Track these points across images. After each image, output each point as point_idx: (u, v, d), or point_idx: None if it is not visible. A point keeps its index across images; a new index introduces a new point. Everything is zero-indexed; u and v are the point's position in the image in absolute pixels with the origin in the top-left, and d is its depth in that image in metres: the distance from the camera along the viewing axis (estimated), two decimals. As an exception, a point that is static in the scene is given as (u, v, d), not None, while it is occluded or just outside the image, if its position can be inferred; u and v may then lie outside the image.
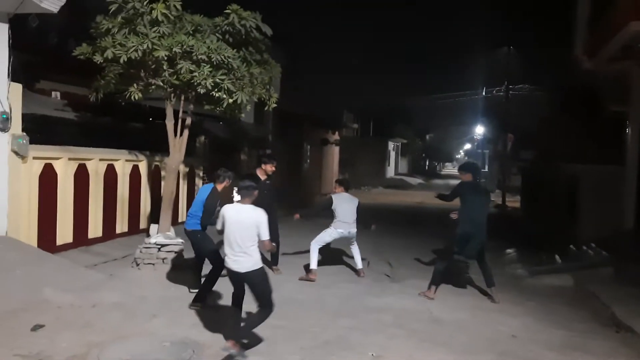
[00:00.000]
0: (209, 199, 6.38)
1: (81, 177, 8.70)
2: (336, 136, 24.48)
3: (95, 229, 9.05)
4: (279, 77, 8.65)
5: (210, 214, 6.27)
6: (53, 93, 10.71)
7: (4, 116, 7.12)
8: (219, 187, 6.55)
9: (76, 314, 5.66)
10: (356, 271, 8.27)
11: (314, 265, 7.80)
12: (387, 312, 6.35)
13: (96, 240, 9.03)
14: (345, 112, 24.31)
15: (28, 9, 7.02)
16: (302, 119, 18.62)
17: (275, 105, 8.48)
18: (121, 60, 6.80)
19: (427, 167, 50.95)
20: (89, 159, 8.88)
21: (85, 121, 9.80)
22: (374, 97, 28.33)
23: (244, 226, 4.82)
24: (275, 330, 5.31)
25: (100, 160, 9.15)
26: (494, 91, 28.45)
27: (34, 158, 7.70)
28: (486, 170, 36.14)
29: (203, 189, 6.65)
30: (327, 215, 8.14)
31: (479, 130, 40.47)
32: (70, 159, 8.48)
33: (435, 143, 52.82)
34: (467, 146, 55.46)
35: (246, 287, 5.03)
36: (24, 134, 7.42)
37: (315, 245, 7.90)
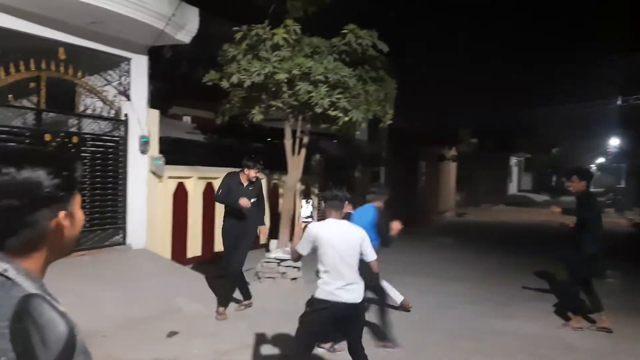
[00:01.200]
0: (380, 219, 5.60)
1: (208, 194, 9.33)
2: (453, 152, 23.78)
3: (220, 243, 9.60)
4: (394, 93, 8.62)
5: (387, 235, 5.52)
6: (184, 117, 11.69)
7: (144, 139, 7.86)
8: (378, 204, 5.87)
9: (205, 323, 6.02)
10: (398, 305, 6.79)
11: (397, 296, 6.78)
12: (512, 336, 5.96)
13: (221, 254, 9.57)
14: (463, 127, 23.53)
15: (164, 42, 7.74)
16: (417, 134, 18.35)
17: (390, 121, 8.46)
18: (245, 85, 7.22)
19: (553, 183, 47.48)
20: (215, 178, 9.49)
21: (211, 142, 10.54)
22: (494, 109, 27.10)
23: (350, 246, 3.95)
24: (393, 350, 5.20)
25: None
26: (633, 99, 25.86)
27: (169, 177, 8.41)
28: (622, 185, 32.82)
29: (363, 211, 5.77)
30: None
31: (614, 142, 36.97)
32: (199, 177, 9.15)
33: (563, 157, 49.04)
34: (600, 160, 50.78)
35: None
36: (161, 155, 8.15)
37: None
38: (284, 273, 8.03)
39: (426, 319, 6.58)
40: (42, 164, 1.13)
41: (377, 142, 16.66)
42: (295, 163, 8.34)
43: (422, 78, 17.02)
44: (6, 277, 1.09)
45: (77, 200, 1.25)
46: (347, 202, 4.68)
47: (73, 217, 1.21)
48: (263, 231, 6.85)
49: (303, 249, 3.98)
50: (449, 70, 20.75)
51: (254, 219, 6.54)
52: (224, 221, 6.66)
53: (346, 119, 7.56)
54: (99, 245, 7.35)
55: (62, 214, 1.17)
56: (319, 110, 7.41)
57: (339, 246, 3.88)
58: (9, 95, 6.22)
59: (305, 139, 8.35)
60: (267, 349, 5.21)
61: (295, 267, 8.03)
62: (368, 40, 7.56)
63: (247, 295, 6.71)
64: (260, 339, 5.40)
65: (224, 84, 7.47)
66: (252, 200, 6.39)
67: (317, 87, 7.25)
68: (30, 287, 1.10)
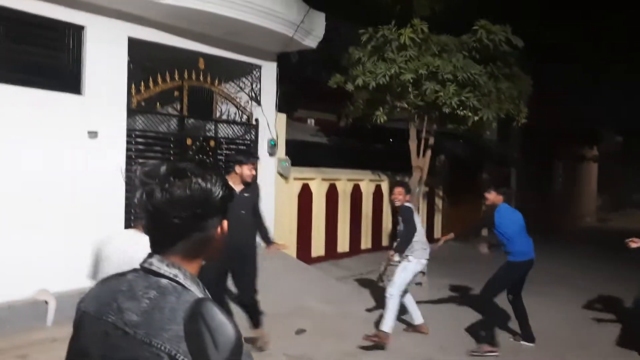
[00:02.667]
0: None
1: (331, 196, 9.47)
2: (594, 152, 21.75)
3: (343, 244, 9.72)
4: (529, 90, 8.06)
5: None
6: (308, 120, 12.00)
7: (272, 142, 8.18)
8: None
9: (331, 322, 6.08)
10: (414, 327, 5.94)
11: (391, 323, 5.33)
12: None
13: (344, 255, 9.67)
14: (606, 124, 21.41)
15: (292, 48, 7.99)
16: (553, 133, 17.02)
17: (524, 120, 7.93)
18: (370, 87, 7.19)
19: None
20: (338, 179, 9.62)
21: (334, 144, 10.69)
22: (640, 103, 24.31)
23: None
24: None
25: (348, 180, 9.84)
26: None
27: (294, 179, 8.67)
28: None
29: (503, 211, 5.57)
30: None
31: None
32: (323, 179, 9.32)
33: None
34: None
35: None
36: (287, 157, 8.43)
37: (397, 294, 5.49)
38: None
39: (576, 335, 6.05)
40: (213, 177, 1.21)
41: (507, 141, 15.76)
42: (420, 165, 8.15)
43: (561, 73, 15.75)
44: (177, 282, 1.16)
45: None
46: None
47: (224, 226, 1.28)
48: (274, 249, 5.38)
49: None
50: (592, 62, 18.96)
51: (251, 235, 5.05)
52: None
53: (476, 118, 7.23)
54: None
55: (225, 222, 1.26)
56: (446, 110, 7.17)
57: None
58: (157, 103, 6.82)
59: (431, 140, 8.12)
60: (393, 354, 5.13)
61: (420, 272, 7.83)
62: (501, 35, 7.15)
63: (257, 323, 5.12)
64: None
65: (349, 86, 7.52)
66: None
67: (445, 86, 7.01)
68: (197, 292, 1.17)
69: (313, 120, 11.84)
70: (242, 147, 7.96)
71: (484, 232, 10.20)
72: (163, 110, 7.11)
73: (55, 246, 5.47)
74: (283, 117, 8.47)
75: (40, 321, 5.23)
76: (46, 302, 5.30)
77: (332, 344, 5.34)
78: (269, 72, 8.11)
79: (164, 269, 1.17)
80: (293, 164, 8.51)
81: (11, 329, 4.88)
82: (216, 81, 7.45)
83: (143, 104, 6.57)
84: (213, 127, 7.75)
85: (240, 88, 7.99)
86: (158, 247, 1.21)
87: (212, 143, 7.49)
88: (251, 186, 5.02)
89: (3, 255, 5.14)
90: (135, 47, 6.26)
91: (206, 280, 1.27)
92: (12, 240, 5.19)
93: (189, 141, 7.16)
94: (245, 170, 4.86)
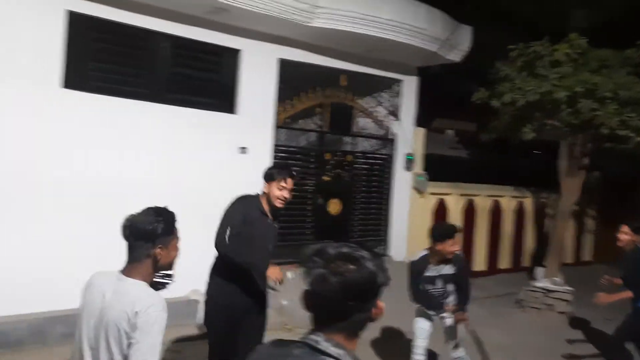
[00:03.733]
0: None
1: (469, 212, 9.13)
2: None
3: (480, 262, 9.33)
4: None
5: None
6: (447, 131, 11.69)
7: (409, 157, 8.12)
8: None
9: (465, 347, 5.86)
10: None
11: None
12: None
13: (480, 274, 9.28)
14: None
15: (434, 62, 7.84)
16: None
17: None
18: (518, 104, 6.81)
19: None
20: (476, 195, 9.25)
21: (473, 158, 10.28)
22: None
23: None
24: None
25: (487, 196, 9.41)
26: None
27: (430, 193, 8.52)
28: None
29: None
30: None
31: None
32: (460, 194, 9.03)
33: None
34: None
35: None
36: (424, 172, 8.31)
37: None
38: (550, 305, 7.35)
39: None
40: (377, 261, 1.29)
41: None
42: (571, 185, 7.52)
43: None
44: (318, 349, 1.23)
45: None
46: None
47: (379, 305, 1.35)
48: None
49: None
50: None
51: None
52: (211, 280, 3.74)
53: (639, 139, 6.49)
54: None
55: (380, 303, 1.32)
56: (605, 130, 6.52)
57: None
58: (299, 120, 7.14)
59: (585, 160, 7.45)
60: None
61: (564, 300, 7.27)
62: (673, 50, 6.34)
63: None
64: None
65: (494, 103, 7.17)
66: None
67: (604, 104, 6.38)
68: None
69: (452, 131, 11.50)
70: (378, 162, 8.02)
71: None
72: (305, 126, 7.42)
73: (206, 252, 5.97)
74: (421, 131, 8.36)
75: (191, 319, 5.77)
76: (197, 301, 5.82)
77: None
78: (410, 86, 8.06)
79: (330, 349, 1.23)
80: (430, 179, 8.37)
81: (167, 324, 5.44)
82: (356, 97, 7.59)
83: (288, 120, 6.92)
84: (351, 141, 7.91)
85: (379, 103, 8.04)
86: (322, 326, 1.27)
87: (349, 158, 7.64)
88: (278, 211, 3.70)
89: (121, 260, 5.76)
90: (284, 67, 6.61)
91: None
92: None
93: (327, 155, 7.39)
94: (275, 190, 3.42)
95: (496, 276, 9.41)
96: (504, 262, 9.77)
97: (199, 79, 6.12)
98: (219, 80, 6.28)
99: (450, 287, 4.49)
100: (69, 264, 4.83)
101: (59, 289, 4.84)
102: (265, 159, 6.54)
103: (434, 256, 4.31)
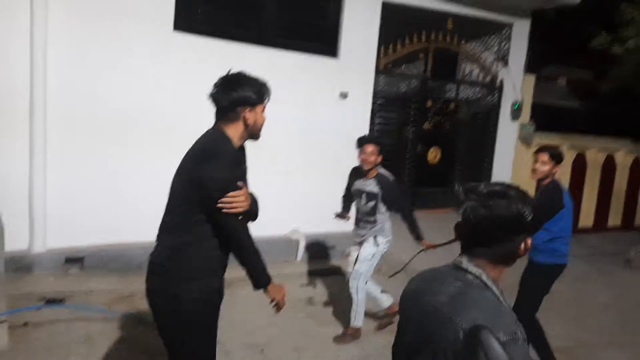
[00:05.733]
0: None
1: (578, 166, 8.59)
2: None
3: (587, 219, 8.85)
4: None
5: None
6: (559, 79, 10.90)
7: (516, 105, 7.71)
8: None
9: (567, 304, 5.68)
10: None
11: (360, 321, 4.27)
12: None
13: (586, 230, 8.81)
14: None
15: (551, 5, 7.25)
16: None
17: None
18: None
19: None
20: (588, 148, 8.65)
21: (587, 109, 9.55)
22: None
23: None
24: None
25: (600, 149, 8.78)
26: None
27: (537, 145, 8.07)
28: None
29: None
30: None
31: None
32: (569, 147, 8.48)
33: None
34: None
35: None
36: (532, 122, 7.87)
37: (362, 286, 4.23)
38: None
39: None
40: (526, 200, 1.45)
41: None
42: None
43: None
44: (480, 279, 1.43)
45: None
46: None
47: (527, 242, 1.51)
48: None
49: None
50: None
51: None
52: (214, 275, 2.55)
53: None
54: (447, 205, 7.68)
55: (529, 240, 1.47)
56: None
57: None
58: (402, 65, 6.99)
59: None
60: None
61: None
62: None
63: None
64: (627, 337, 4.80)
65: (617, 49, 6.54)
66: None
67: None
68: (496, 291, 1.43)
69: (563, 79, 10.71)
70: (482, 110, 7.70)
71: None
72: (407, 71, 7.26)
73: (307, 194, 6.17)
74: (531, 78, 7.87)
75: (291, 256, 6.07)
76: (297, 241, 6.10)
77: (566, 329, 5.01)
78: (521, 30, 7.55)
79: (471, 267, 1.45)
80: (537, 129, 7.93)
81: (269, 260, 5.76)
82: (462, 41, 7.25)
83: (389, 66, 6.80)
84: (454, 88, 7.63)
85: (487, 48, 7.64)
86: (468, 250, 1.49)
87: (452, 105, 7.41)
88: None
89: (268, 197, 6.00)
90: (388, 10, 6.43)
91: None
92: (276, 186, 5.99)
93: (429, 103, 7.22)
94: (260, 117, 2.36)
95: (604, 234, 8.89)
96: (614, 220, 9.18)
97: (303, 22, 6.13)
98: (323, 23, 6.25)
99: (380, 210, 4.10)
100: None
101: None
102: (365, 105, 6.52)
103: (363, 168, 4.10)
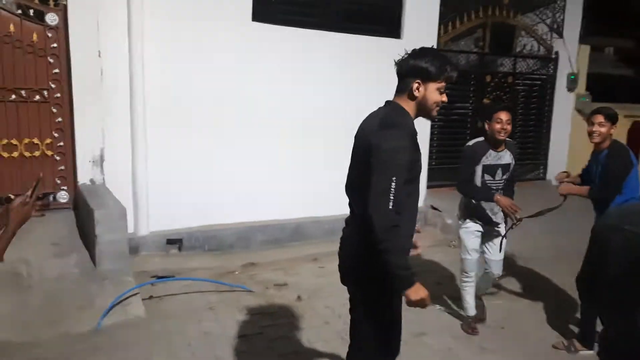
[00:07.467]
0: None
1: (635, 135, 8.60)
2: None
3: (643, 188, 8.87)
4: None
5: None
6: (606, 49, 10.84)
7: (572, 77, 7.78)
8: None
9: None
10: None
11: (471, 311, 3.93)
12: None
13: None
14: None
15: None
16: None
17: None
18: None
19: None
20: (642, 116, 8.67)
21: (638, 76, 9.51)
22: None
23: None
24: None
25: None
26: None
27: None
28: None
29: None
30: None
31: None
32: (625, 115, 8.49)
33: None
34: None
35: None
36: (588, 93, 7.93)
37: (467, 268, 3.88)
38: None
39: None
40: None
41: None
42: None
43: None
44: None
45: None
46: None
47: None
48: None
49: None
50: None
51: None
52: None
53: None
54: (520, 178, 7.85)
55: None
56: None
57: None
58: (461, 41, 7.12)
59: None
60: None
61: None
62: None
63: None
64: None
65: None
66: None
67: None
68: None
69: (612, 49, 10.65)
70: (538, 82, 7.79)
71: None
72: (466, 47, 7.39)
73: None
74: (586, 49, 7.93)
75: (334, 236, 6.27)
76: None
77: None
78: (576, 1, 7.59)
79: None
80: (593, 99, 7.99)
81: (313, 240, 5.94)
82: (518, 15, 7.34)
83: (449, 42, 6.95)
84: (512, 62, 7.73)
85: (542, 20, 7.70)
86: None
87: (509, 79, 7.52)
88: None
89: (339, 178, 6.26)
90: (447, -11, 6.55)
91: None
92: (343, 166, 6.21)
93: (487, 77, 7.35)
94: (432, 94, 2.24)
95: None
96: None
97: (367, 4, 6.32)
98: (386, 7, 6.42)
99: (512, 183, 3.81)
100: (266, 181, 5.55)
101: (259, 203, 5.61)
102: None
103: (490, 140, 3.65)
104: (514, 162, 3.71)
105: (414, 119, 2.25)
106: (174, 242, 5.24)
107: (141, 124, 4.94)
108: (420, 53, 2.20)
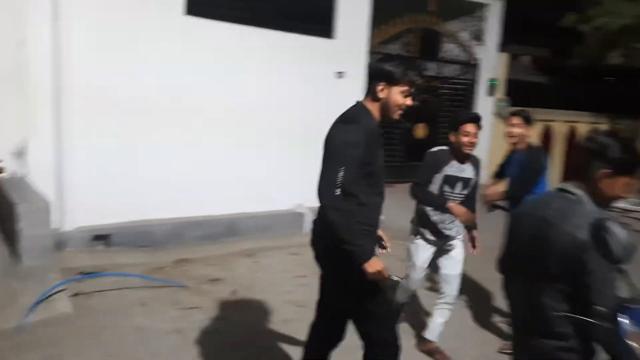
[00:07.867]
0: None
1: (545, 138, 9.30)
2: None
3: (554, 185, 9.58)
4: None
5: None
6: (522, 57, 11.61)
7: (492, 82, 8.29)
8: None
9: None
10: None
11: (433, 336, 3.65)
12: None
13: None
14: None
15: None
16: None
17: None
18: (611, 28, 6.81)
19: None
20: (554, 121, 9.37)
21: (551, 84, 10.28)
22: None
23: None
24: None
25: (564, 122, 9.53)
26: None
27: (511, 119, 8.71)
28: None
29: None
30: None
31: None
32: (538, 120, 9.17)
33: None
34: None
35: None
36: (507, 97, 8.48)
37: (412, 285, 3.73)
38: (627, 224, 7.68)
39: None
40: (614, 147, 1.76)
41: None
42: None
43: None
44: (579, 198, 1.76)
45: None
46: None
47: None
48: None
49: None
50: None
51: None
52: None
53: None
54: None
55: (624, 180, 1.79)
56: None
57: None
58: (389, 44, 7.39)
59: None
60: None
61: (640, 220, 7.55)
62: None
63: None
64: None
65: (583, 27, 7.18)
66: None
67: None
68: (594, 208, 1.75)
69: (528, 58, 11.43)
70: (461, 87, 8.23)
71: None
72: (395, 51, 7.67)
73: (308, 170, 6.45)
74: (505, 56, 8.46)
75: (298, 228, 6.40)
76: (302, 214, 6.44)
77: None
78: (495, 11, 8.10)
79: (571, 189, 1.79)
80: (511, 105, 8.54)
81: (279, 233, 6.07)
82: (443, 22, 7.73)
83: (380, 45, 7.20)
84: (437, 66, 8.12)
85: (465, 27, 8.15)
86: (570, 179, 1.83)
87: (435, 83, 7.91)
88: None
89: (272, 173, 6.31)
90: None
91: None
92: (276, 161, 6.22)
93: (418, 81, 7.69)
94: (395, 97, 2.38)
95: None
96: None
97: (301, 5, 6.40)
98: (319, 6, 6.54)
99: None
100: (198, 176, 5.50)
101: (192, 199, 5.55)
102: (358, 83, 6.86)
103: (455, 151, 3.40)
104: (475, 179, 3.45)
105: (379, 119, 2.40)
106: (102, 237, 5.09)
107: (67, 115, 4.76)
108: (387, 58, 2.45)
